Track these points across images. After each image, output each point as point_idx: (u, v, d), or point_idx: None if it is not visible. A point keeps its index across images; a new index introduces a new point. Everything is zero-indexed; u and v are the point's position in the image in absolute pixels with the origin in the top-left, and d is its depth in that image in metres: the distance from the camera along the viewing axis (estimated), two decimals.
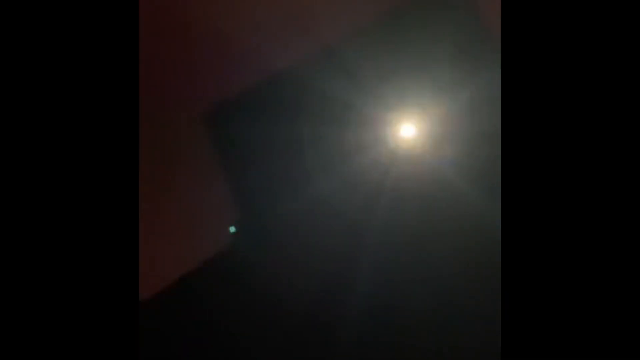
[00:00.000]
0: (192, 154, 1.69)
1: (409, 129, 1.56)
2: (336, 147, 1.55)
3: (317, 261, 1.51)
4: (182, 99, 1.68)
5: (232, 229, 1.62)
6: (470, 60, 1.51)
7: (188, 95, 1.68)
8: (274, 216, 1.60)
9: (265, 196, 1.62)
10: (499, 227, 0.83)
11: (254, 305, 1.50)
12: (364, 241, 1.50)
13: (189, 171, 1.68)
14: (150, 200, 1.52)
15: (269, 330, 1.47)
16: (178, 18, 1.56)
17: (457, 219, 1.47)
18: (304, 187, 1.57)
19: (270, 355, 1.47)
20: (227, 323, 1.50)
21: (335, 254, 1.51)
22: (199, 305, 1.54)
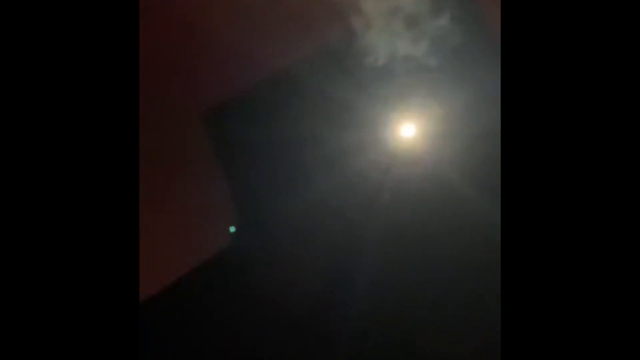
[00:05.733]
0: (191, 154, 1.69)
1: (409, 129, 1.56)
2: (336, 147, 1.55)
3: (317, 261, 1.51)
4: (182, 99, 1.68)
5: (232, 229, 1.62)
6: (471, 60, 1.51)
7: (188, 95, 1.68)
8: (274, 216, 1.60)
9: (265, 196, 1.62)
10: (499, 226, 0.83)
11: (254, 305, 1.50)
12: (364, 241, 1.50)
13: (188, 171, 1.68)
14: (150, 200, 1.52)
15: (269, 330, 1.47)
16: (178, 18, 1.56)
17: (456, 218, 1.47)
18: (304, 187, 1.57)
19: (270, 355, 1.47)
20: (227, 323, 1.50)
21: (335, 254, 1.51)
22: (198, 305, 1.54)
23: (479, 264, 1.41)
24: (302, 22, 1.58)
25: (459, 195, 1.46)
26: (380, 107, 1.55)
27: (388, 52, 1.54)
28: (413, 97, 1.54)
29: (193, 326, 1.51)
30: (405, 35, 1.54)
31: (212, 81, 1.68)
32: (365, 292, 1.46)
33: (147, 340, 1.09)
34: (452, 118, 1.51)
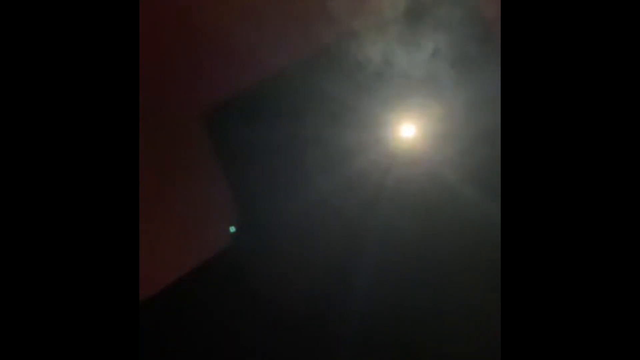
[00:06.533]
0: (191, 155, 1.69)
1: (409, 129, 1.56)
2: (336, 147, 1.55)
3: (317, 261, 1.51)
4: (182, 99, 1.68)
5: (232, 229, 1.62)
6: (471, 60, 1.51)
7: (188, 96, 1.68)
8: (274, 216, 1.60)
9: (265, 196, 1.62)
10: (499, 226, 0.83)
11: (254, 305, 1.50)
12: (364, 241, 1.50)
13: (188, 171, 1.68)
14: (150, 200, 1.52)
15: (269, 330, 1.47)
16: (178, 18, 1.56)
17: (456, 219, 1.47)
18: (304, 187, 1.57)
19: (270, 355, 1.47)
20: (227, 323, 1.50)
21: (335, 254, 1.51)
22: (198, 305, 1.54)
23: (479, 264, 1.41)
24: (302, 22, 1.58)
25: (459, 196, 1.46)
26: (380, 107, 1.55)
27: (388, 53, 1.54)
28: (413, 97, 1.54)
29: (193, 326, 1.51)
30: (406, 35, 1.54)
31: (212, 81, 1.68)
32: (365, 292, 1.46)
33: (147, 340, 1.09)
34: (452, 118, 1.51)
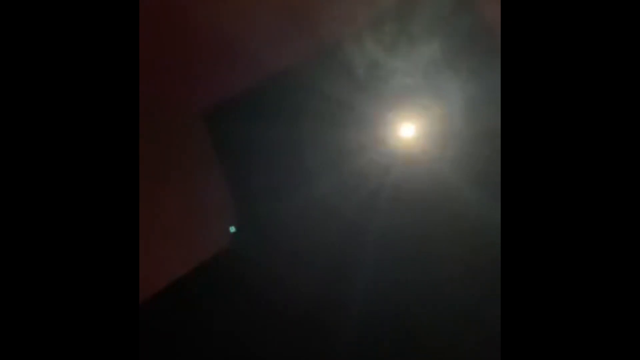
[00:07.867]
0: (191, 154, 1.69)
1: (408, 129, 1.56)
2: (336, 147, 1.55)
3: (317, 261, 1.51)
4: (182, 99, 1.68)
5: (232, 229, 1.62)
6: (470, 60, 1.51)
7: (188, 95, 1.69)
8: (274, 216, 1.60)
9: (265, 196, 1.62)
10: (499, 227, 0.83)
11: (254, 306, 1.50)
12: (364, 241, 1.50)
13: (188, 171, 1.68)
14: (150, 200, 1.52)
15: (269, 330, 1.47)
16: (178, 18, 1.56)
17: (456, 219, 1.47)
18: (304, 187, 1.57)
19: (269, 356, 1.47)
20: (227, 323, 1.50)
21: (335, 254, 1.51)
22: (199, 306, 1.54)
23: (479, 263, 1.41)
24: (302, 21, 1.58)
25: (459, 195, 1.46)
26: (380, 107, 1.55)
27: (388, 52, 1.54)
28: (413, 97, 1.55)
29: (193, 326, 1.51)
30: (406, 35, 1.54)
31: (212, 81, 1.68)
32: (364, 292, 1.46)
33: (147, 340, 1.09)
34: (452, 118, 1.51)
